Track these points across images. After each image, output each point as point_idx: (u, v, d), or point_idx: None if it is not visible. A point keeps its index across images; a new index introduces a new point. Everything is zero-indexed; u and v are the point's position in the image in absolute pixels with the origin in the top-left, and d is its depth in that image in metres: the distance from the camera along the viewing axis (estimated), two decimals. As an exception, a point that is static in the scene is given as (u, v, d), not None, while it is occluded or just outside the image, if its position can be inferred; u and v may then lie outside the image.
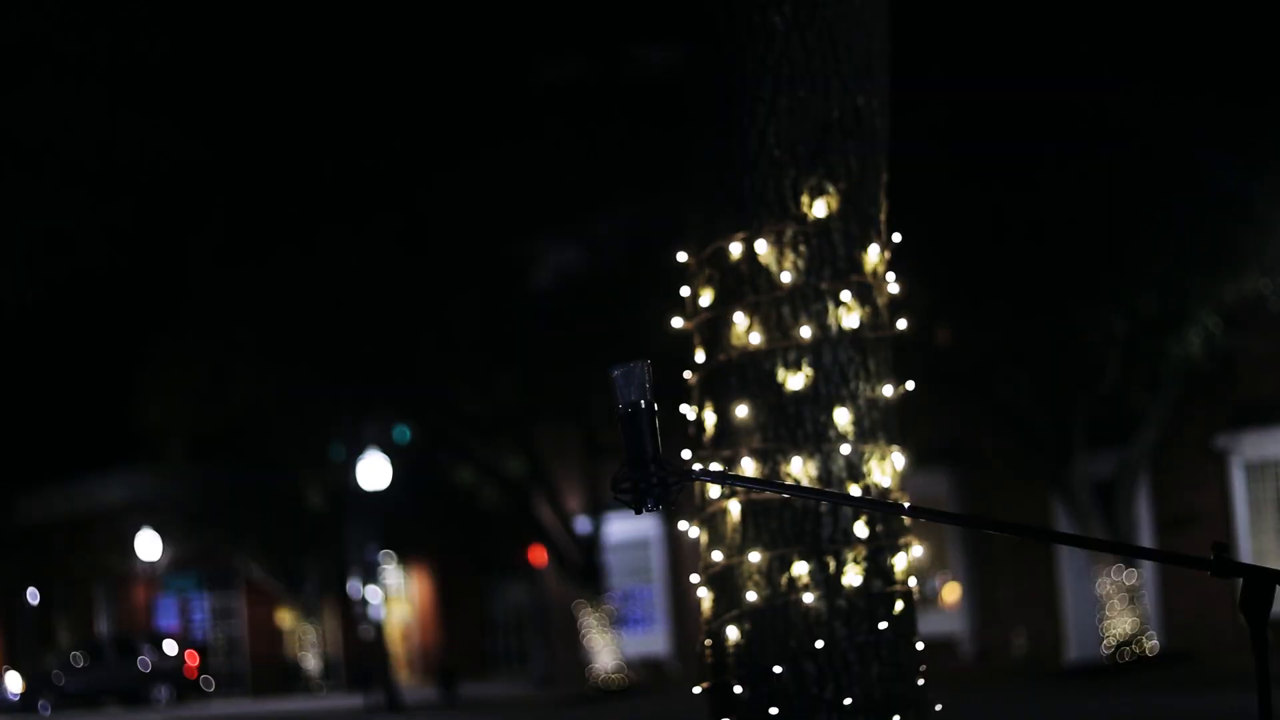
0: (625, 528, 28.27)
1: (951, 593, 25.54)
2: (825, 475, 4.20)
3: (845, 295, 4.27)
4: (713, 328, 4.36)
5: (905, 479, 4.40)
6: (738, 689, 4.20)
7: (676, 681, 27.03)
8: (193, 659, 37.03)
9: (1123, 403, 21.75)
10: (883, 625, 4.19)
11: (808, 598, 4.14)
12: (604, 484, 25.15)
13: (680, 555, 27.86)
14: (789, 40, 4.32)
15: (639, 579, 29.52)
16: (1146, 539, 22.88)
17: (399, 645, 38.18)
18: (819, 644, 4.13)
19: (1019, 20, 19.95)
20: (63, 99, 16.37)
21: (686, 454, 4.38)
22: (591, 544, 27.22)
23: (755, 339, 4.26)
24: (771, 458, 4.22)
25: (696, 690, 4.33)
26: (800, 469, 4.20)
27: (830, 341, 4.24)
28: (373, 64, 22.56)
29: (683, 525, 4.47)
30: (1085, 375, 21.38)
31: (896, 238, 4.46)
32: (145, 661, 36.14)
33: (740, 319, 4.28)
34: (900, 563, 4.26)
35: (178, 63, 18.38)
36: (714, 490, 4.29)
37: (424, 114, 23.08)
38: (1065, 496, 22.24)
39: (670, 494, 2.59)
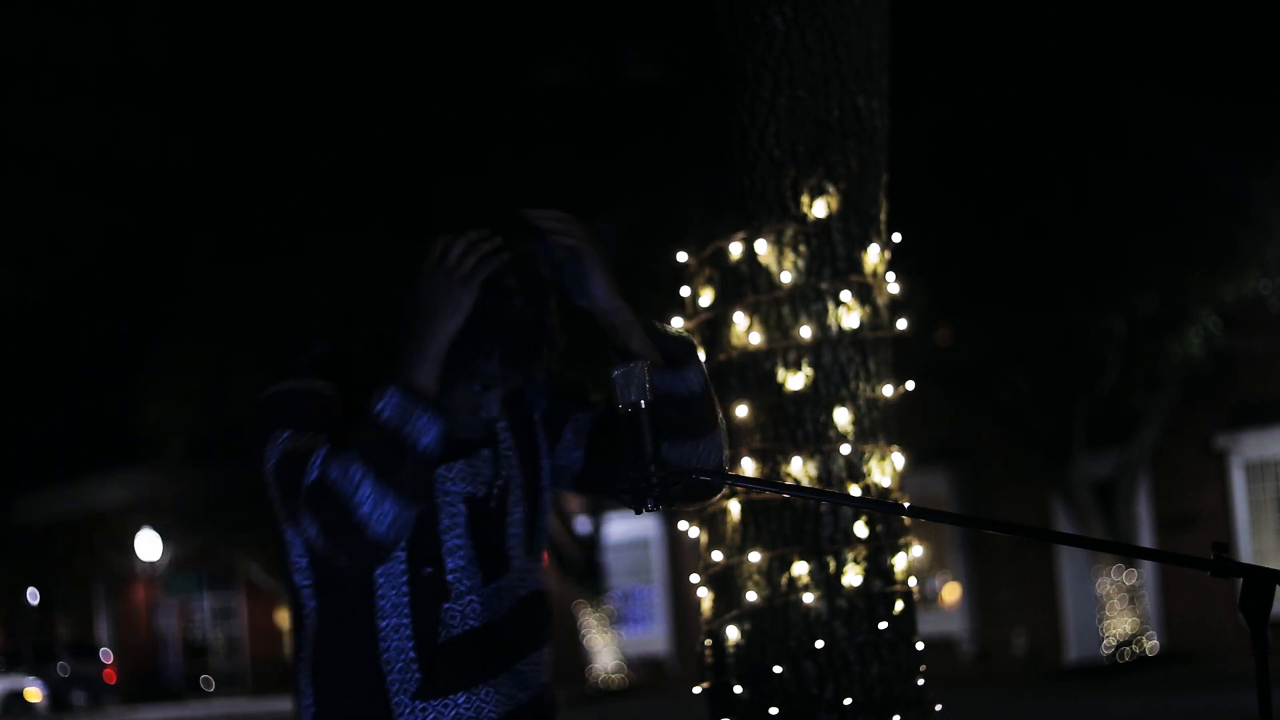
0: (625, 528, 28.27)
1: (951, 593, 25.54)
2: (825, 475, 4.20)
3: (845, 295, 4.27)
4: (713, 328, 4.36)
5: (905, 479, 4.40)
6: (738, 689, 4.20)
7: (676, 681, 27.04)
8: (109, 661, 37.22)
9: (1123, 403, 21.76)
10: (883, 625, 4.19)
11: (808, 598, 4.14)
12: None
13: (680, 555, 27.87)
14: (789, 40, 4.32)
15: (639, 579, 29.52)
16: (1146, 539, 22.89)
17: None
18: (819, 644, 4.13)
19: (1019, 21, 19.95)
20: (63, 102, 16.39)
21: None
22: (591, 544, 27.22)
23: (755, 339, 4.26)
24: (771, 458, 4.22)
25: (696, 690, 4.34)
26: (800, 469, 4.20)
27: (830, 341, 4.24)
28: (373, 66, 22.57)
29: (683, 525, 4.47)
30: (1085, 375, 21.38)
31: (896, 238, 4.45)
32: (64, 667, 36.17)
33: (740, 319, 4.28)
34: (900, 563, 4.26)
35: (177, 67, 18.41)
36: (714, 490, 4.28)
37: (424, 116, 23.09)
38: (1065, 496, 22.25)
39: (670, 494, 2.59)
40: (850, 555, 4.17)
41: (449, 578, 2.67)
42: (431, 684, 2.65)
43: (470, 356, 2.64)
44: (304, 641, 2.78)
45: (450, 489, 2.70)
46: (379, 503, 2.48)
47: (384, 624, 2.65)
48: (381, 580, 2.66)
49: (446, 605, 2.67)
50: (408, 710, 2.65)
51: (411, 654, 2.64)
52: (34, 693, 35.98)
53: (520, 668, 2.73)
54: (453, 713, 2.66)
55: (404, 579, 2.66)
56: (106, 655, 37.49)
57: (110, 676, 37.13)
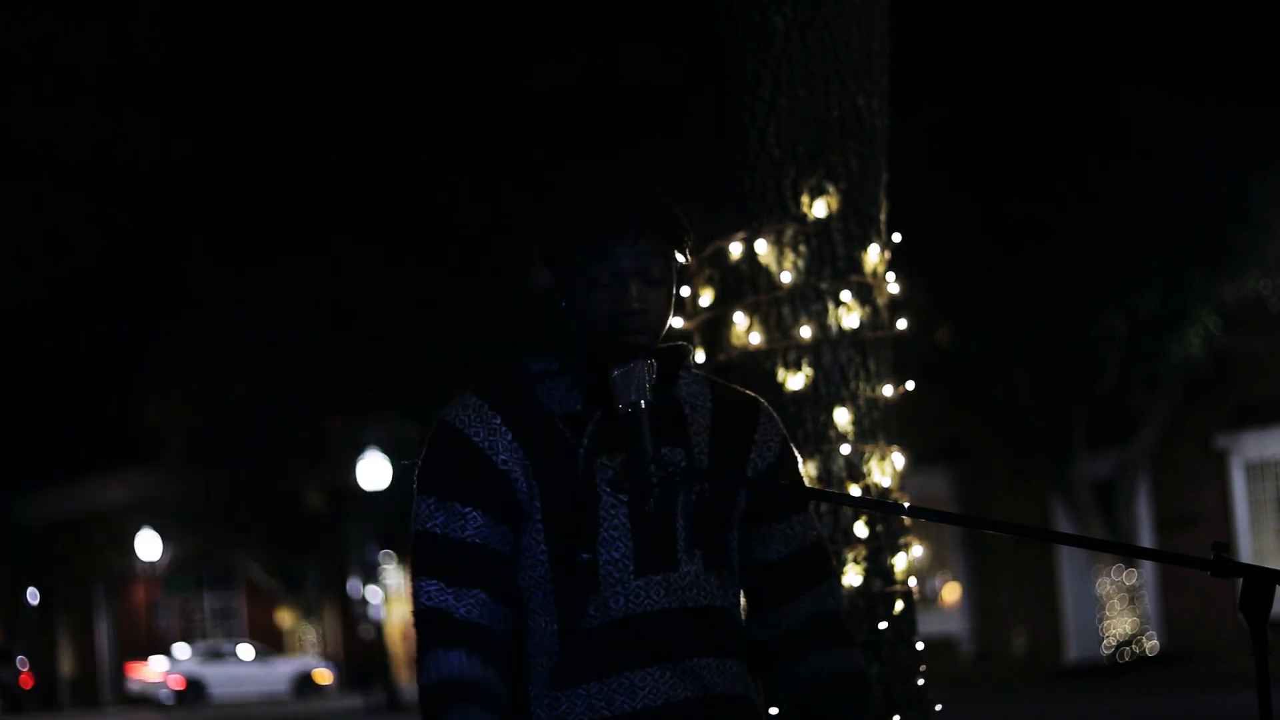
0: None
1: (951, 593, 25.54)
2: (825, 475, 4.20)
3: (845, 295, 4.26)
4: (713, 328, 4.35)
5: (905, 479, 4.40)
6: (738, 689, 4.19)
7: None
8: (25, 668, 37.85)
9: (1123, 403, 21.77)
10: (883, 625, 4.18)
11: (808, 598, 4.13)
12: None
13: (680, 555, 27.83)
14: (789, 40, 4.32)
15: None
16: (1146, 539, 22.90)
17: (399, 645, 38.20)
18: (819, 644, 4.13)
19: (1019, 21, 19.96)
20: (64, 102, 16.38)
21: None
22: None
23: (755, 339, 4.25)
24: (771, 458, 4.21)
25: (696, 690, 4.32)
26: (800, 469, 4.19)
27: (830, 341, 4.24)
28: (374, 67, 22.57)
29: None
30: (1085, 375, 21.39)
31: (896, 238, 4.45)
32: None
33: (740, 319, 4.27)
34: (900, 563, 4.26)
35: (179, 67, 18.41)
36: (714, 490, 4.28)
37: (424, 116, 23.10)
38: (1065, 496, 22.25)
39: (670, 494, 2.58)
40: (850, 555, 4.17)
41: (601, 570, 2.65)
42: (564, 672, 2.65)
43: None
44: None
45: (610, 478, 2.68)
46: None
47: (532, 622, 2.68)
48: (525, 570, 2.69)
49: (595, 597, 2.65)
50: (546, 701, 2.66)
51: (555, 646, 2.65)
52: (324, 674, 36.53)
53: (679, 667, 2.67)
54: (584, 702, 2.64)
55: (545, 570, 2.67)
56: (23, 663, 38.07)
57: (26, 682, 37.87)
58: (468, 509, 2.67)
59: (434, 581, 2.66)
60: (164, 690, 36.42)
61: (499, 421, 2.69)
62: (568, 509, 2.66)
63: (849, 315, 4.26)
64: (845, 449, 4.20)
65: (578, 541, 2.65)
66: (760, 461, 2.84)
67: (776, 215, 4.28)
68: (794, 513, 2.89)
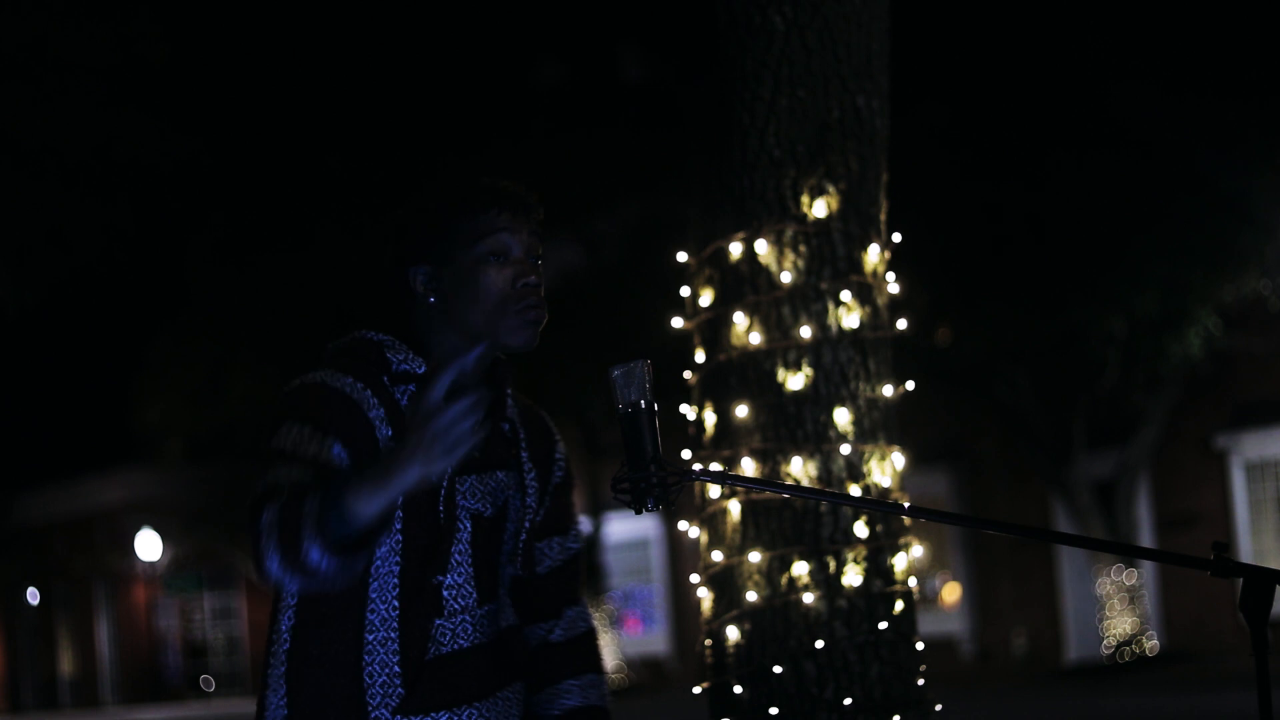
0: (625, 528, 28.27)
1: (951, 593, 25.53)
2: (825, 475, 4.20)
3: (845, 295, 4.26)
4: (713, 328, 4.35)
5: (905, 479, 4.40)
6: (738, 689, 4.19)
7: (676, 681, 27.03)
8: None
9: (1123, 403, 21.76)
10: (883, 625, 4.19)
11: (808, 598, 4.13)
12: (604, 484, 25.14)
13: (680, 555, 27.86)
14: (789, 40, 4.32)
15: (639, 579, 29.52)
16: (1146, 539, 22.88)
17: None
18: (819, 644, 4.13)
19: (1019, 20, 19.96)
20: (63, 100, 16.38)
21: (686, 454, 4.38)
22: (591, 544, 27.21)
23: (755, 339, 4.25)
24: (771, 458, 4.22)
25: (696, 690, 4.33)
26: (800, 469, 4.19)
27: (830, 341, 4.24)
28: (375, 66, 22.58)
29: (683, 525, 4.46)
30: (1085, 375, 21.38)
31: (896, 238, 4.45)
32: None
33: (740, 319, 4.27)
34: (900, 563, 4.26)
35: (178, 64, 18.41)
36: (714, 490, 4.29)
37: (425, 115, 23.10)
38: (1065, 496, 22.24)
39: (670, 494, 2.58)
40: (850, 555, 4.17)
41: (445, 593, 2.60)
42: (414, 700, 2.58)
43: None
44: (279, 636, 2.64)
45: (459, 503, 2.63)
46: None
47: (371, 637, 2.58)
48: (374, 594, 2.58)
49: (439, 621, 2.60)
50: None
51: (396, 668, 2.57)
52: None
53: (503, 695, 2.68)
54: None
55: (395, 592, 2.58)
56: None
57: None
58: (341, 449, 2.51)
59: (307, 425, 2.47)
60: None
61: (382, 413, 2.57)
62: (425, 528, 2.58)
63: (849, 315, 4.26)
64: (845, 449, 4.20)
65: (429, 563, 2.58)
66: (558, 476, 2.83)
67: (776, 215, 4.28)
68: (571, 527, 2.89)
